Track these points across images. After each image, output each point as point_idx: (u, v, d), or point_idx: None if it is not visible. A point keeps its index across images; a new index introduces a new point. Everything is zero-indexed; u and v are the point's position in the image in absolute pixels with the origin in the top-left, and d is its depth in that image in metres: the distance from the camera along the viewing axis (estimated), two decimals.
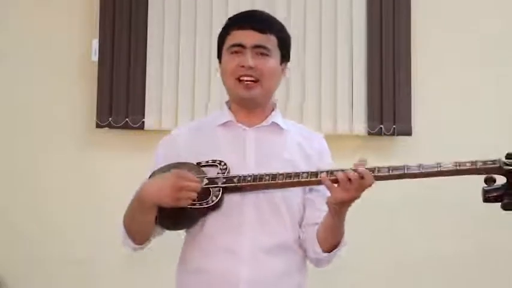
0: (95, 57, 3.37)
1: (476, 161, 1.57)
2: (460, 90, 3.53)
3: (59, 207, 3.33)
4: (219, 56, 1.81)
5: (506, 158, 1.57)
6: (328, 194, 1.62)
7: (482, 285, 3.43)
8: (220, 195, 1.62)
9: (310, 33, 3.46)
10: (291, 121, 1.92)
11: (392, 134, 3.41)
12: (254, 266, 1.66)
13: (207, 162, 1.69)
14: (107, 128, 3.33)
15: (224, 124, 1.78)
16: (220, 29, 1.83)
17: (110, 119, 3.33)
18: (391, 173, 1.61)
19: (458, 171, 1.59)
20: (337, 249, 1.72)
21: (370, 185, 1.58)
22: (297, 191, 1.73)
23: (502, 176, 1.58)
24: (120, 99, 3.34)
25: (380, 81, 3.44)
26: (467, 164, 1.57)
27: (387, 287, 3.44)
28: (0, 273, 3.28)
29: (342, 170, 1.59)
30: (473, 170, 1.57)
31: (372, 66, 3.45)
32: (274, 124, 1.79)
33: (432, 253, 3.44)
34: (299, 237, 1.76)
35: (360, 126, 3.42)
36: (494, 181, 1.58)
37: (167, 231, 1.76)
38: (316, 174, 1.61)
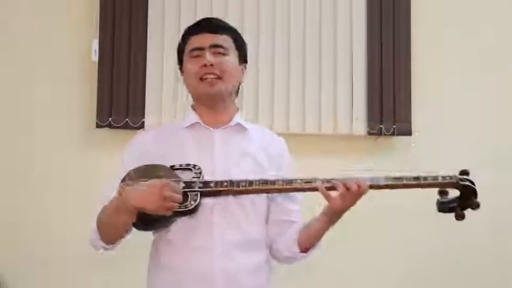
0: (95, 57, 3.36)
1: (436, 176, 1.70)
2: (460, 91, 3.54)
3: (59, 207, 3.33)
4: (180, 65, 1.89)
5: (460, 175, 1.73)
6: (299, 198, 1.82)
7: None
8: (198, 200, 1.66)
9: (310, 34, 3.46)
10: (252, 123, 1.97)
11: (392, 134, 3.41)
12: (227, 262, 1.73)
13: (181, 165, 1.73)
14: (107, 128, 3.33)
15: (190, 126, 1.85)
16: None
17: (110, 119, 3.33)
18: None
19: (420, 184, 1.70)
20: (312, 250, 1.81)
21: (364, 193, 1.68)
22: (260, 195, 1.80)
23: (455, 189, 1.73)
24: (120, 99, 3.34)
25: (380, 81, 3.44)
26: (429, 179, 1.70)
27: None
28: (0, 273, 3.28)
29: (326, 180, 1.67)
30: (433, 184, 1.71)
31: (371, 67, 3.45)
32: (239, 125, 1.86)
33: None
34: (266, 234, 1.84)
35: (360, 126, 3.42)
36: (447, 194, 1.73)
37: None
38: (291, 181, 1.68)
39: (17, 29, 3.42)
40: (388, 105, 3.43)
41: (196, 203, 1.65)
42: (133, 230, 1.78)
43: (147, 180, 1.65)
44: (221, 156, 1.78)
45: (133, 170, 1.74)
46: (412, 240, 3.45)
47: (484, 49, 3.55)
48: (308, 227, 1.78)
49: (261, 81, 3.42)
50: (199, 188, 1.66)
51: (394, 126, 3.41)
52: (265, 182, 1.67)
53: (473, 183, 1.70)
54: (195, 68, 1.80)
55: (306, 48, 3.46)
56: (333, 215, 1.72)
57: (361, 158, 3.47)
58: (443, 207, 1.72)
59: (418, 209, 3.46)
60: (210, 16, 3.33)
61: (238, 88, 1.92)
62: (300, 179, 1.68)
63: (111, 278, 3.24)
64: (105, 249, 1.78)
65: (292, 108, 3.42)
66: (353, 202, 1.67)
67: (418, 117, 3.47)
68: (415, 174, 1.68)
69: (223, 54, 1.81)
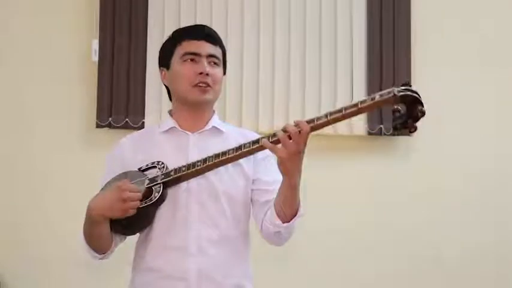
0: (95, 57, 3.37)
1: (374, 95, 1.61)
2: (460, 90, 3.54)
3: (59, 207, 3.33)
4: (164, 65, 1.92)
5: (401, 86, 1.64)
6: (266, 178, 1.82)
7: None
8: (161, 190, 1.73)
9: (310, 34, 3.46)
10: (230, 124, 2.03)
11: (392, 134, 3.41)
12: (201, 259, 1.76)
13: (147, 165, 1.80)
14: (106, 128, 3.33)
15: (167, 131, 1.90)
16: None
17: (110, 119, 3.33)
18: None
19: (360, 109, 1.61)
20: (295, 218, 1.75)
21: (307, 134, 1.62)
22: (238, 185, 1.83)
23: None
24: (120, 99, 3.34)
25: (380, 81, 3.44)
26: (368, 101, 1.60)
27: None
28: (0, 273, 3.28)
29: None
30: (373, 105, 1.61)
31: (371, 66, 3.45)
32: (214, 128, 1.90)
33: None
34: (247, 230, 1.87)
35: (360, 126, 3.42)
36: (399, 111, 1.63)
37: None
38: (240, 147, 1.69)
39: (17, 29, 3.42)
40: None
41: (159, 194, 1.72)
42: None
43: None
44: (195, 159, 1.77)
45: (105, 184, 1.82)
46: (405, 236, 3.45)
47: (484, 49, 3.55)
48: (278, 195, 1.74)
49: (261, 81, 3.42)
50: (161, 179, 1.73)
51: None
52: (218, 155, 1.70)
53: (413, 91, 1.61)
54: (190, 72, 1.83)
55: (306, 47, 3.46)
56: (285, 169, 1.65)
57: (361, 158, 3.47)
58: (395, 123, 1.63)
59: (412, 205, 3.48)
60: (209, 16, 3.40)
61: None
62: (248, 142, 1.68)
63: (111, 278, 3.24)
64: (101, 258, 1.83)
65: (292, 108, 3.42)
66: (296, 146, 1.60)
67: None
68: (354, 101, 1.61)
69: (217, 64, 1.87)
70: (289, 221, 1.73)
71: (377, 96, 1.60)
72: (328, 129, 3.40)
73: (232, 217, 1.82)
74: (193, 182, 1.78)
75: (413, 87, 1.63)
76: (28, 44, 3.41)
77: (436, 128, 3.44)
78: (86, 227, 1.79)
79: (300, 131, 1.60)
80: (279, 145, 1.62)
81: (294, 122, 1.62)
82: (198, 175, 1.75)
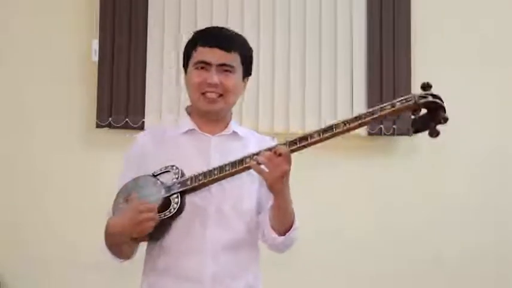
0: (95, 57, 3.36)
1: (394, 102, 1.59)
2: (460, 90, 3.53)
3: (59, 207, 3.33)
4: (184, 67, 1.90)
5: (421, 88, 1.60)
6: None
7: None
8: (179, 202, 1.72)
9: (310, 34, 3.46)
10: (245, 128, 2.03)
11: (392, 134, 3.41)
12: (216, 262, 1.76)
13: (161, 169, 1.78)
14: (106, 128, 3.33)
15: (187, 132, 1.88)
16: None
17: (110, 119, 3.33)
18: (321, 136, 1.66)
19: (381, 116, 1.61)
20: (289, 232, 1.77)
21: (288, 157, 1.64)
22: (250, 190, 1.84)
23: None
24: (120, 99, 3.34)
25: (380, 81, 3.44)
26: (388, 107, 1.59)
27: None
28: (0, 273, 3.28)
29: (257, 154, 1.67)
30: (394, 112, 1.59)
31: (372, 66, 3.45)
32: (235, 132, 1.90)
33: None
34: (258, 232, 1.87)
35: None
36: (420, 111, 1.61)
37: None
38: (256, 154, 1.68)
39: (17, 29, 3.42)
40: None
41: (178, 205, 1.72)
42: None
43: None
44: (216, 163, 1.78)
45: (118, 191, 1.82)
46: (405, 236, 3.45)
47: (484, 49, 3.55)
48: (270, 210, 1.78)
49: (261, 81, 3.42)
50: (178, 188, 1.72)
51: (394, 126, 3.40)
52: (234, 163, 1.70)
53: (434, 97, 1.58)
54: (198, 80, 1.82)
55: (306, 48, 3.45)
56: (272, 190, 1.68)
57: (361, 158, 3.47)
58: (416, 127, 1.60)
59: (412, 205, 3.48)
60: (210, 17, 3.40)
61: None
62: (263, 150, 1.67)
63: (111, 278, 3.24)
64: (122, 261, 1.84)
65: (292, 108, 3.42)
66: (281, 168, 1.63)
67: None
68: (371, 109, 1.61)
69: (229, 72, 1.83)
70: (284, 235, 1.77)
71: (397, 104, 1.59)
72: None
73: (245, 221, 1.83)
74: (209, 187, 1.77)
75: (434, 92, 1.58)
76: (28, 44, 3.41)
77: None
78: (107, 240, 1.79)
79: (280, 154, 1.63)
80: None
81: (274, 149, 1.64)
82: (214, 183, 1.75)
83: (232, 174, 1.72)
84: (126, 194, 1.79)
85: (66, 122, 3.41)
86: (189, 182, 1.72)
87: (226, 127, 1.89)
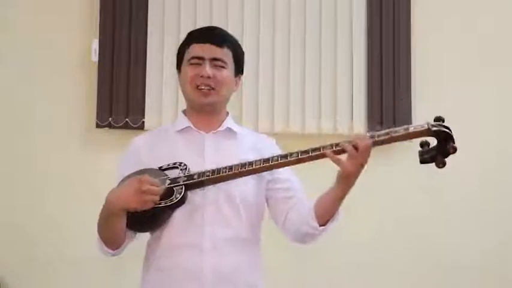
0: (95, 57, 3.37)
1: (408, 127, 1.68)
2: (460, 90, 3.54)
3: (59, 207, 3.33)
4: (178, 67, 1.95)
5: (434, 121, 1.69)
6: (282, 176, 1.86)
7: None
8: (183, 192, 1.74)
9: (310, 33, 3.46)
10: (241, 125, 2.07)
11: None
12: (216, 257, 1.78)
13: (168, 165, 1.81)
14: (107, 128, 3.33)
15: (182, 130, 1.91)
16: None
17: (110, 119, 3.33)
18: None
19: (392, 138, 1.70)
20: (331, 221, 1.81)
21: (370, 149, 1.70)
22: (251, 186, 1.85)
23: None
24: (120, 99, 3.34)
25: (380, 81, 3.44)
26: (401, 131, 1.68)
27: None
28: (0, 273, 3.28)
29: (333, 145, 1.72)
30: (406, 136, 1.68)
31: (371, 66, 3.45)
32: (229, 129, 1.93)
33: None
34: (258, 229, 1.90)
35: (360, 126, 3.42)
36: (428, 145, 1.69)
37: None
38: (269, 159, 1.73)
39: (17, 29, 3.42)
40: (388, 105, 3.43)
41: (181, 196, 1.73)
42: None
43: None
44: (211, 159, 1.83)
45: (124, 177, 1.82)
46: (405, 236, 3.45)
47: (484, 49, 3.55)
48: (323, 200, 1.80)
49: (261, 81, 3.42)
50: (184, 181, 1.74)
51: (393, 126, 3.40)
52: (244, 164, 1.73)
53: (446, 127, 1.66)
54: (192, 74, 1.87)
55: (306, 48, 3.45)
56: (347, 181, 1.73)
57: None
58: (423, 157, 1.69)
59: (412, 205, 3.48)
60: (209, 17, 3.41)
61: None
62: (276, 156, 1.73)
63: (112, 278, 3.24)
64: (113, 254, 1.84)
65: (292, 108, 3.42)
66: (365, 160, 1.69)
67: (418, 117, 3.46)
68: (387, 129, 1.69)
69: (222, 67, 1.88)
70: (324, 225, 1.79)
71: (411, 128, 1.66)
72: (328, 129, 3.44)
73: (246, 219, 1.84)
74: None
75: (447, 124, 1.67)
76: (28, 44, 3.41)
77: None
78: (101, 219, 1.79)
79: (365, 144, 1.68)
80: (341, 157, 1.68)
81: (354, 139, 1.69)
82: (220, 182, 1.76)
83: (241, 175, 1.74)
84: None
85: (66, 122, 3.41)
86: (195, 176, 1.74)
87: (221, 124, 1.92)
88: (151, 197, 1.69)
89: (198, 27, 3.33)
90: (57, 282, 3.31)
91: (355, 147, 1.67)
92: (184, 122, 1.92)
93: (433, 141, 1.71)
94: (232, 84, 1.93)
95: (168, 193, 1.73)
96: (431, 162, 1.68)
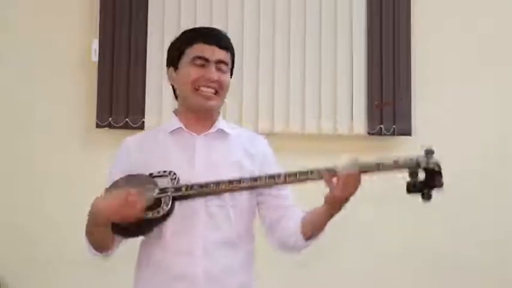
0: (95, 57, 3.37)
1: (397, 159, 1.71)
2: (460, 90, 3.54)
3: (59, 207, 3.33)
4: (173, 64, 1.91)
5: (424, 154, 1.71)
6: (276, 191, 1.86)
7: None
8: (170, 204, 1.72)
9: (310, 33, 3.46)
10: (234, 125, 2.03)
11: (392, 134, 3.41)
12: (208, 261, 1.78)
13: (159, 172, 1.78)
14: (107, 128, 3.33)
15: (174, 131, 1.89)
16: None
17: (110, 119, 3.33)
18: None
19: (380, 169, 1.76)
20: (313, 239, 1.84)
21: (360, 178, 1.77)
22: (243, 193, 1.84)
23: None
24: (120, 99, 3.34)
25: (380, 81, 3.44)
26: (389, 163, 1.73)
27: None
28: (0, 273, 3.28)
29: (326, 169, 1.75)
30: (395, 167, 1.73)
31: (371, 66, 3.46)
32: (220, 130, 1.91)
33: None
34: (251, 233, 1.90)
35: (360, 126, 3.42)
36: (417, 175, 1.72)
37: None
38: (256, 178, 1.74)
39: (17, 29, 3.42)
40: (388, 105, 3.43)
41: (168, 207, 1.71)
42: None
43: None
44: (201, 161, 1.82)
45: (112, 183, 1.81)
46: (405, 236, 3.45)
47: (484, 48, 3.55)
48: (311, 217, 1.81)
49: (261, 81, 3.42)
50: (172, 192, 1.72)
51: (394, 126, 3.41)
52: (231, 181, 1.72)
53: (435, 163, 1.69)
54: (196, 76, 1.83)
55: (306, 48, 3.46)
56: (337, 205, 1.76)
57: (361, 158, 3.46)
58: (410, 188, 1.72)
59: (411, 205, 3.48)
60: (210, 17, 3.41)
61: None
62: (264, 177, 1.73)
63: (112, 279, 3.24)
64: (101, 257, 1.84)
65: (292, 108, 3.42)
66: (355, 189, 1.73)
67: (418, 117, 3.46)
68: (377, 160, 1.72)
69: (224, 71, 1.87)
70: (309, 239, 1.83)
71: (400, 160, 1.70)
72: (328, 129, 3.44)
73: (237, 222, 1.83)
74: None
75: (436, 158, 1.70)
76: (28, 44, 3.41)
77: (436, 128, 3.44)
78: (88, 224, 1.79)
79: (355, 174, 1.73)
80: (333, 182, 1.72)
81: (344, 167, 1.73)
82: (207, 196, 1.76)
83: (228, 191, 1.75)
84: (122, 186, 1.78)
85: (66, 122, 3.41)
86: (183, 189, 1.73)
87: (212, 125, 1.90)
88: (135, 210, 1.67)
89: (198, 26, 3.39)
90: (57, 282, 3.31)
91: (350, 175, 1.73)
92: (175, 123, 1.89)
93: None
94: (228, 88, 1.92)
95: (156, 203, 1.72)
96: (418, 193, 1.71)
